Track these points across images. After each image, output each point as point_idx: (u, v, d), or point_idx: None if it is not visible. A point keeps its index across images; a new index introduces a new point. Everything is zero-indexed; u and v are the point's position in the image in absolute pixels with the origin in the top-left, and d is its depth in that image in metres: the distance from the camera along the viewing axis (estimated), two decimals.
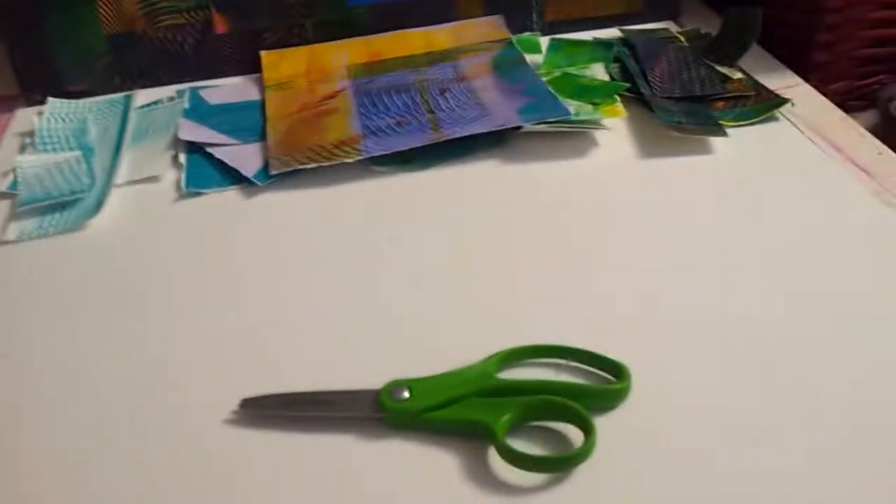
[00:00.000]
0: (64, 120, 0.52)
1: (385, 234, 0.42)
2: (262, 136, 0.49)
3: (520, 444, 0.30)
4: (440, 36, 0.57)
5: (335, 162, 0.46)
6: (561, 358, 0.34)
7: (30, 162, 0.48)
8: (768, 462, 0.30)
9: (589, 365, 0.34)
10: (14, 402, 0.34)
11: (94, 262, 0.42)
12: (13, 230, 0.44)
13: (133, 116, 0.53)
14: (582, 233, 0.42)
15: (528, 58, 0.54)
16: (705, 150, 0.47)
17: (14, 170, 0.48)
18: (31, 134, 0.51)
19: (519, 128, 0.48)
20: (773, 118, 0.49)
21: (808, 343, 0.35)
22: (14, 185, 0.47)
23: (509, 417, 0.31)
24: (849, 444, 0.30)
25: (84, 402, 0.34)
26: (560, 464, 0.30)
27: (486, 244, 0.41)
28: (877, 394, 0.32)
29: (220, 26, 0.55)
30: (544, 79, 0.52)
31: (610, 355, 0.34)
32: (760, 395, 0.33)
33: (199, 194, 0.46)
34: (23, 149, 0.50)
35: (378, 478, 0.30)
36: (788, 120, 0.49)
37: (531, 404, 0.31)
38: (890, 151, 0.46)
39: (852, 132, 0.48)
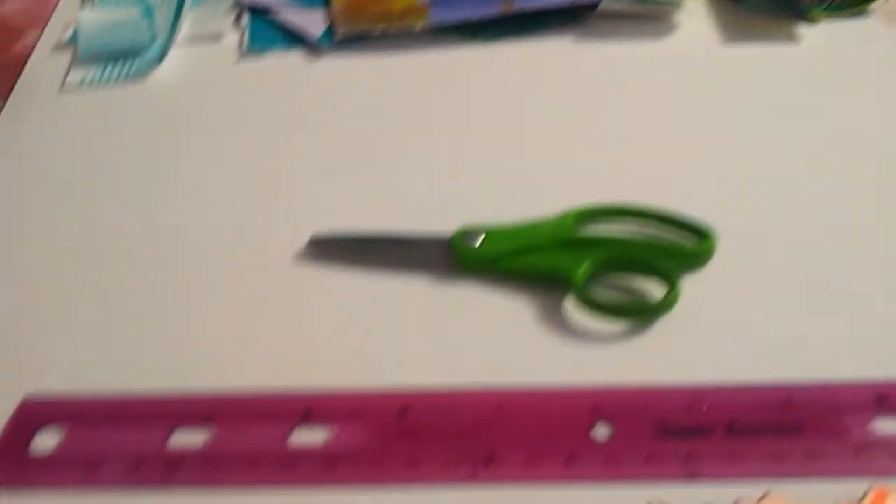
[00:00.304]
0: None
1: (454, 102, 0.41)
2: (327, 1, 0.48)
3: (598, 295, 0.29)
4: None
5: (402, 28, 0.45)
6: (642, 218, 0.33)
7: (91, 16, 0.47)
8: (851, 328, 0.29)
9: (672, 227, 0.32)
10: (79, 245, 0.33)
11: (158, 114, 0.41)
12: (75, 77, 0.43)
13: None
14: (659, 111, 0.40)
15: None
16: (791, 40, 0.45)
17: (76, 23, 0.47)
18: None
19: (594, 7, 0.46)
20: (866, 13, 0.47)
21: None
22: (75, 36, 0.46)
23: (588, 266, 0.30)
24: None
25: (156, 243, 0.33)
26: (641, 313, 0.29)
27: (561, 117, 0.40)
28: None
29: None
30: None
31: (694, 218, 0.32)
32: (847, 261, 0.31)
33: (261, 54, 0.45)
34: (84, 3, 0.49)
35: (448, 322, 0.30)
36: (881, 17, 0.47)
37: (611, 256, 0.30)
38: None
39: None
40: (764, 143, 0.38)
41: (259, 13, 0.48)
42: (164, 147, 0.38)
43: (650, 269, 0.30)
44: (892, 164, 0.36)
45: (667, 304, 0.29)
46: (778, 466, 0.25)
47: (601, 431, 0.26)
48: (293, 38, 0.46)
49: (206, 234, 0.33)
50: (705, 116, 0.39)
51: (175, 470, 0.25)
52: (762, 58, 0.43)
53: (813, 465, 0.25)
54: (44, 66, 0.44)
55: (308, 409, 0.26)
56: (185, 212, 0.34)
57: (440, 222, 0.32)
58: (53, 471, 0.25)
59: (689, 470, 0.24)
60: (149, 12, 0.47)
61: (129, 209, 0.34)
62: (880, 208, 0.34)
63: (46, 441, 0.26)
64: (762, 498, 0.23)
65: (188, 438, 0.26)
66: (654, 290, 0.30)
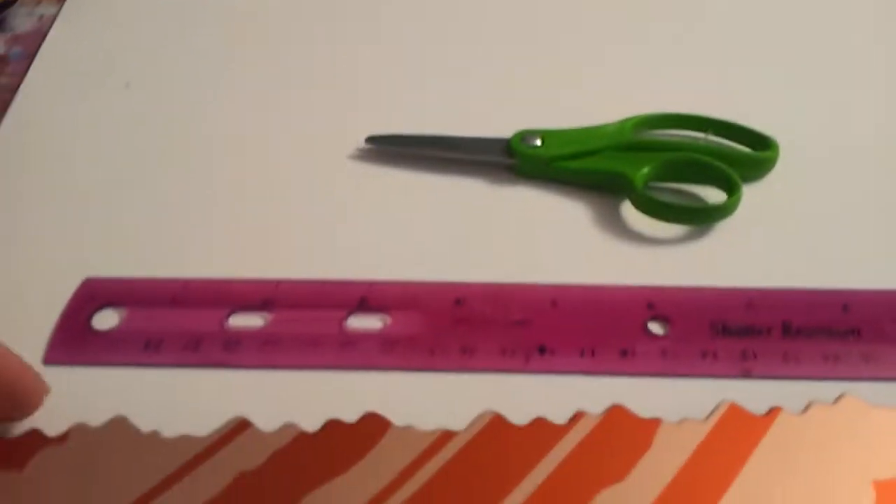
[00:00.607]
0: None
1: (515, 7, 0.40)
2: None
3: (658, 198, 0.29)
4: None
5: None
6: (703, 128, 0.32)
7: None
8: None
9: (734, 138, 0.32)
10: (142, 137, 0.34)
11: (216, 9, 0.40)
12: None
13: None
14: (723, 21, 0.39)
15: None
16: None
17: None
18: None
19: None
20: None
21: None
22: None
23: (649, 170, 0.29)
24: None
25: (217, 138, 0.33)
26: (700, 217, 0.29)
27: (622, 26, 0.39)
28: None
29: None
30: None
31: (755, 126, 0.31)
32: None
33: None
34: None
35: (504, 222, 0.29)
36: None
37: (672, 160, 0.30)
38: None
39: None
40: (832, 56, 0.36)
41: None
42: (225, 43, 0.38)
43: (711, 175, 0.29)
44: None
45: (727, 208, 0.28)
46: (833, 368, 0.24)
47: (657, 328, 0.26)
48: None
49: (266, 131, 0.33)
50: (770, 26, 0.38)
51: (234, 350, 0.25)
52: None
53: (868, 368, 0.24)
54: None
55: (364, 297, 0.27)
56: (246, 108, 0.34)
57: (499, 128, 0.32)
58: (114, 348, 0.26)
59: (745, 368, 0.24)
60: None
61: (190, 105, 0.35)
62: None
63: (107, 320, 0.26)
64: (837, 400, 0.23)
65: (246, 321, 0.26)
66: (714, 196, 0.30)
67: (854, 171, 0.31)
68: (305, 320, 0.26)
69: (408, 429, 0.22)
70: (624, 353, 0.25)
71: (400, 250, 0.28)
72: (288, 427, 0.23)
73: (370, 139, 0.32)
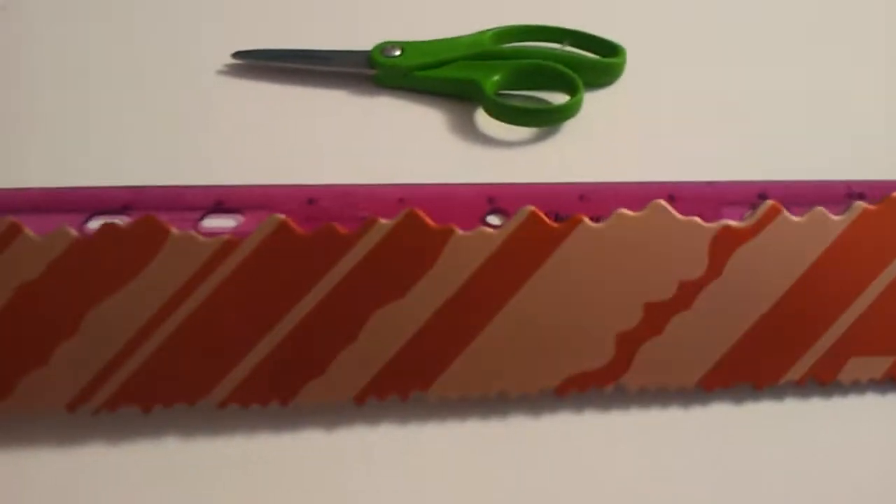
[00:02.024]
0: None
1: None
2: None
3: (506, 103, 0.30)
4: None
5: None
6: (558, 38, 0.33)
7: None
8: (735, 138, 0.30)
9: (585, 47, 0.33)
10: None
11: None
12: None
13: None
14: None
15: None
16: None
17: None
18: None
19: None
20: None
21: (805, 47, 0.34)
22: None
23: (499, 77, 0.31)
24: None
25: (80, 55, 0.34)
26: (546, 116, 0.30)
27: None
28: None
29: None
30: None
31: (605, 35, 0.33)
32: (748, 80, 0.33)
33: None
34: None
35: (363, 129, 0.31)
36: None
37: (521, 67, 0.31)
38: None
39: None
40: None
41: None
42: None
43: (557, 80, 0.31)
44: None
45: (569, 109, 0.30)
46: None
47: (494, 220, 0.27)
48: None
49: (137, 50, 0.34)
50: None
51: None
52: None
53: None
54: None
55: (219, 200, 0.28)
56: (116, 27, 0.35)
57: (363, 41, 0.33)
58: None
59: None
60: None
61: (65, 24, 0.35)
62: (786, 29, 0.35)
63: None
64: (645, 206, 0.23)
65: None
66: (562, 100, 0.31)
67: (690, 77, 0.33)
68: (164, 221, 0.27)
69: (189, 235, 0.21)
70: None
71: (258, 157, 0.29)
72: (62, 234, 0.21)
73: (237, 54, 0.33)
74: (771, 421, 0.22)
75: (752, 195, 0.28)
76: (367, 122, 0.31)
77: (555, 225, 0.22)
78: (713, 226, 0.22)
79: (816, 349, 0.22)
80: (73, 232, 0.21)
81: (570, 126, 0.30)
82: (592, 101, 0.31)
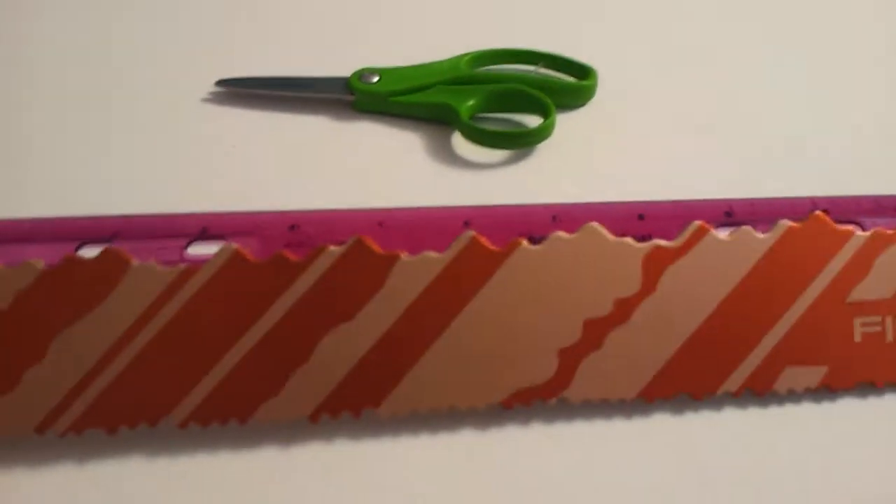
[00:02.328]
0: None
1: None
2: None
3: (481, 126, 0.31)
4: None
5: None
6: (532, 61, 0.35)
7: None
8: (704, 155, 0.31)
9: (559, 69, 0.34)
10: None
11: None
12: None
13: None
14: None
15: None
16: None
17: None
18: None
19: None
20: None
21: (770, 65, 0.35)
22: None
23: (474, 102, 0.32)
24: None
25: (63, 84, 0.34)
26: (519, 139, 0.31)
27: None
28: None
29: None
30: None
31: (579, 58, 0.34)
32: (715, 100, 0.34)
33: None
34: None
35: (342, 154, 0.32)
36: None
37: (496, 91, 0.32)
38: None
39: None
40: None
41: None
42: None
43: (530, 103, 0.32)
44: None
45: (541, 131, 0.31)
46: None
47: None
48: None
49: (120, 77, 0.35)
50: None
51: None
52: None
53: None
54: None
55: (204, 227, 0.29)
56: (99, 51, 0.36)
57: (342, 65, 0.34)
58: None
59: None
60: None
61: (45, 46, 0.36)
62: (755, 49, 0.36)
63: None
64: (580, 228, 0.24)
65: (94, 253, 0.28)
66: (536, 122, 0.32)
67: (660, 98, 0.34)
68: (150, 249, 0.28)
69: (149, 266, 0.23)
70: None
71: (241, 184, 0.30)
72: (29, 266, 0.22)
73: (220, 82, 0.34)
74: (711, 429, 0.23)
75: (719, 213, 0.29)
76: (347, 147, 0.32)
77: (494, 248, 0.23)
78: (644, 245, 0.24)
79: (751, 360, 0.23)
80: (40, 264, 0.23)
81: (543, 148, 0.31)
82: (565, 122, 0.32)
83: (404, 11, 0.38)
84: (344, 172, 0.31)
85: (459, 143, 0.32)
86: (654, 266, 0.23)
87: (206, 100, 0.34)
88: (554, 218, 0.29)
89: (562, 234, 0.24)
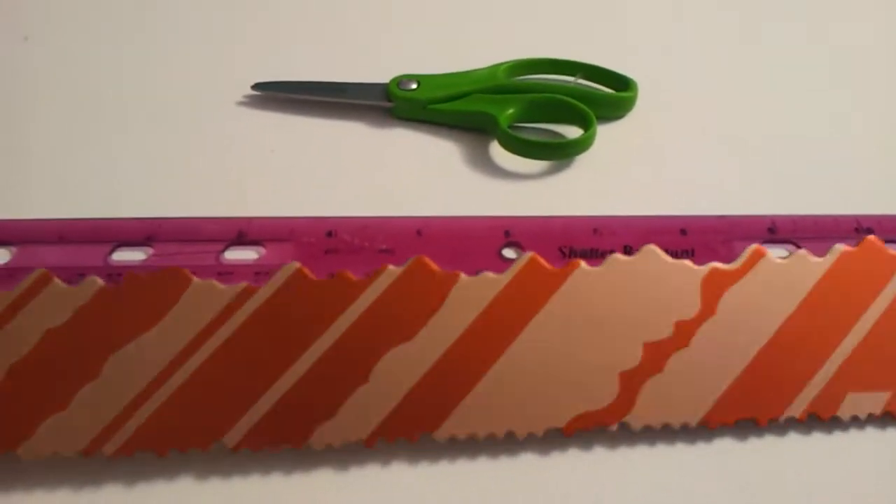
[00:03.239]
0: None
1: None
2: None
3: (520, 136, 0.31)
4: None
5: None
6: (571, 72, 0.34)
7: None
8: (743, 171, 0.31)
9: (598, 80, 0.34)
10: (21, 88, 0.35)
11: None
12: None
13: None
14: None
15: None
16: None
17: None
18: None
19: None
20: None
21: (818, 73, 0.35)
22: None
23: (513, 111, 0.32)
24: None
25: (100, 87, 0.34)
26: (559, 150, 0.31)
27: None
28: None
29: None
30: None
31: (618, 69, 0.34)
32: (757, 114, 0.33)
33: None
34: None
35: (380, 161, 0.31)
36: None
37: (536, 101, 0.32)
38: None
39: None
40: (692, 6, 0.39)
41: None
42: None
43: (570, 113, 0.32)
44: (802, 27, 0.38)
45: (582, 143, 0.30)
46: None
47: (510, 253, 0.28)
48: None
49: (157, 80, 0.34)
50: None
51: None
52: None
53: None
54: None
55: (241, 231, 0.28)
56: (138, 57, 0.36)
57: (380, 71, 0.33)
58: (6, 281, 0.27)
59: None
60: None
61: (86, 56, 0.36)
62: (797, 62, 0.36)
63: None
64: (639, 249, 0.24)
65: (129, 255, 0.28)
66: (575, 133, 0.32)
67: (701, 111, 0.34)
68: (185, 253, 0.28)
69: (209, 283, 0.22)
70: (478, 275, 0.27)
71: (278, 188, 0.30)
72: (90, 282, 0.22)
73: (257, 85, 0.34)
74: (774, 456, 0.23)
75: (763, 229, 0.29)
76: (385, 154, 0.31)
77: (553, 269, 0.23)
78: (703, 268, 0.23)
79: (814, 385, 0.23)
80: (100, 281, 0.22)
81: (583, 159, 0.31)
82: (604, 133, 0.32)
83: (443, 19, 0.38)
84: (381, 179, 0.30)
85: (498, 152, 0.31)
86: (713, 289, 0.23)
87: (242, 103, 0.33)
88: (595, 230, 0.28)
89: (619, 256, 0.23)
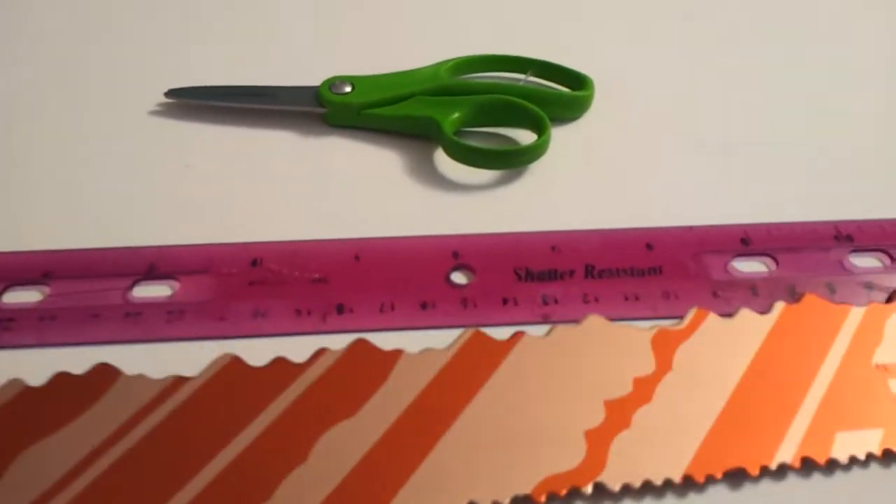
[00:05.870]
0: None
1: None
2: None
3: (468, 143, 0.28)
4: None
5: None
6: (521, 69, 0.31)
7: None
8: (715, 177, 0.28)
9: (550, 78, 0.31)
10: None
11: None
12: None
13: None
14: None
15: None
16: None
17: None
18: None
19: None
20: None
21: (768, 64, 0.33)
22: None
23: (459, 114, 0.29)
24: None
25: (7, 99, 0.30)
26: (511, 157, 0.28)
27: None
28: None
29: None
30: None
31: (572, 66, 0.31)
32: (726, 114, 0.31)
33: None
34: None
35: (312, 176, 0.28)
36: None
37: (483, 103, 0.29)
38: None
39: None
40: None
41: None
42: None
43: (522, 116, 0.29)
44: (763, 20, 0.35)
45: (536, 149, 0.28)
46: (633, 307, 0.24)
47: (460, 277, 0.25)
48: None
49: (61, 90, 0.31)
50: None
51: (6, 329, 0.23)
52: None
53: (667, 305, 0.24)
54: None
55: (152, 264, 0.25)
56: (40, 65, 0.32)
57: (310, 73, 0.30)
58: None
59: (545, 313, 0.24)
60: None
61: None
62: (754, 63, 0.33)
63: None
64: (581, 320, 0.23)
65: (22, 296, 0.24)
66: (528, 138, 0.29)
67: (665, 110, 0.31)
68: (87, 292, 0.24)
69: (139, 377, 0.21)
70: (424, 306, 0.24)
71: (195, 210, 0.27)
72: (13, 382, 0.21)
73: (171, 92, 0.30)
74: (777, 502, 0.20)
75: (735, 240, 0.26)
76: (317, 168, 0.28)
77: (497, 340, 0.22)
78: (649, 330, 0.23)
79: (796, 428, 0.21)
80: (25, 381, 0.21)
81: (537, 167, 0.28)
82: (560, 137, 0.29)
83: (379, 13, 0.34)
84: (313, 197, 0.27)
85: (443, 161, 0.28)
86: (664, 347, 0.22)
87: (153, 112, 0.30)
88: (553, 248, 0.26)
89: (563, 326, 0.23)
